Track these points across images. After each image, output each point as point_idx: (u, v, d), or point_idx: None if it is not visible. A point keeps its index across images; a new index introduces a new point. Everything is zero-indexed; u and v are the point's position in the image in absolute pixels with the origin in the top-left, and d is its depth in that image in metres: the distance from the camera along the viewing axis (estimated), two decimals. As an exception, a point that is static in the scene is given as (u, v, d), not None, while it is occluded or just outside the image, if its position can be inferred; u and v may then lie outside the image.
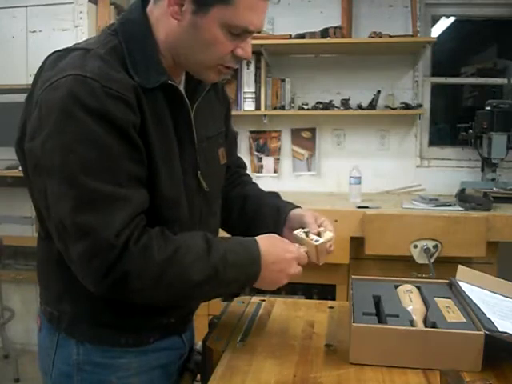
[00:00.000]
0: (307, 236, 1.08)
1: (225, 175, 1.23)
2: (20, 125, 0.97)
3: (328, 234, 1.09)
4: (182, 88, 1.05)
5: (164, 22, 0.95)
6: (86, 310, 1.01)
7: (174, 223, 1.01)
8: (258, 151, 3.23)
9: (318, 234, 1.09)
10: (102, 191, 0.87)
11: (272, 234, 1.06)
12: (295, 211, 1.19)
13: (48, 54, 0.98)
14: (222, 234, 1.26)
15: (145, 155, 0.94)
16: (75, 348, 1.02)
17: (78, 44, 0.98)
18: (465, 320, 1.02)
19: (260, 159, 3.23)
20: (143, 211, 0.93)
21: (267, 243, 1.02)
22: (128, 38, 0.96)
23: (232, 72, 1.00)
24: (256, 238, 1.02)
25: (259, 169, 3.23)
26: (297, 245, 1.07)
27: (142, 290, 0.91)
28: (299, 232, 1.10)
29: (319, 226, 1.11)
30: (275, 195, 1.28)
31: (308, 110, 3.04)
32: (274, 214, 1.20)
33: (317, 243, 1.06)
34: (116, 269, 0.87)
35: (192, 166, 1.05)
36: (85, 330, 1.02)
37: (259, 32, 0.97)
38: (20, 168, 1.03)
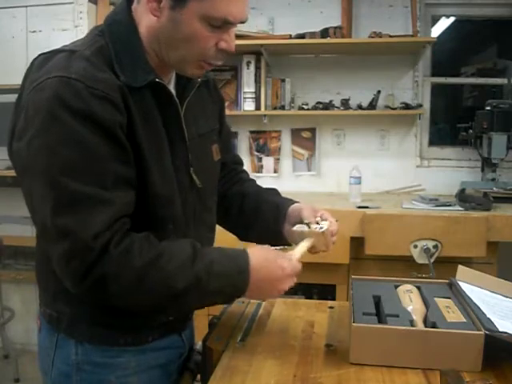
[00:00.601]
0: (309, 227, 1.08)
1: (220, 172, 1.23)
2: (10, 128, 0.96)
3: (325, 222, 1.09)
4: (171, 86, 1.05)
5: (145, 19, 0.96)
6: (85, 311, 1.01)
7: (168, 221, 1.01)
8: (258, 151, 3.23)
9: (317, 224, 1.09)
10: (83, 193, 0.86)
11: (267, 247, 1.04)
12: (294, 206, 1.18)
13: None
14: (220, 230, 1.26)
15: (132, 156, 0.93)
16: (74, 348, 1.02)
17: (65, 46, 0.97)
18: (465, 320, 1.02)
19: (260, 159, 3.23)
20: (127, 214, 0.93)
21: (261, 257, 1.00)
22: (115, 39, 0.96)
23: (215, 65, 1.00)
24: (248, 250, 1.01)
25: (259, 169, 3.23)
26: (293, 254, 1.05)
27: (121, 293, 0.91)
28: (299, 226, 1.10)
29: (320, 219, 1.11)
30: (274, 192, 1.28)
31: (308, 110, 3.04)
32: (273, 211, 1.19)
33: (322, 230, 1.06)
34: (94, 271, 0.87)
35: (184, 164, 1.04)
36: (84, 330, 1.02)
37: (243, 22, 0.96)
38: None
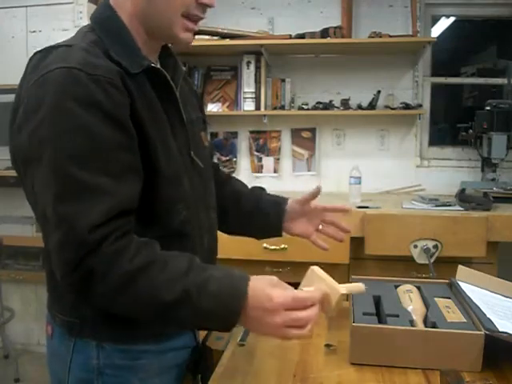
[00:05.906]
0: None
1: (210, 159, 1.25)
2: (10, 129, 0.96)
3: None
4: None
5: None
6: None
7: (178, 202, 1.00)
8: (257, 151, 3.23)
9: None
10: (88, 182, 0.85)
11: (268, 277, 0.91)
12: (290, 203, 1.28)
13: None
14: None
15: (137, 141, 0.92)
16: (95, 352, 1.00)
17: (58, 43, 0.97)
18: (465, 320, 1.02)
19: (260, 159, 3.23)
20: (131, 210, 0.90)
21: (260, 284, 0.89)
22: (106, 33, 0.97)
23: (202, 16, 1.02)
24: (252, 277, 0.91)
25: (259, 169, 3.22)
26: (294, 291, 0.89)
27: (104, 294, 0.87)
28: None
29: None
30: (264, 191, 1.35)
31: (308, 109, 3.04)
32: (273, 207, 1.27)
33: (342, 291, 0.94)
34: (83, 265, 0.84)
35: (185, 146, 1.05)
36: (107, 331, 0.99)
37: None
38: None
